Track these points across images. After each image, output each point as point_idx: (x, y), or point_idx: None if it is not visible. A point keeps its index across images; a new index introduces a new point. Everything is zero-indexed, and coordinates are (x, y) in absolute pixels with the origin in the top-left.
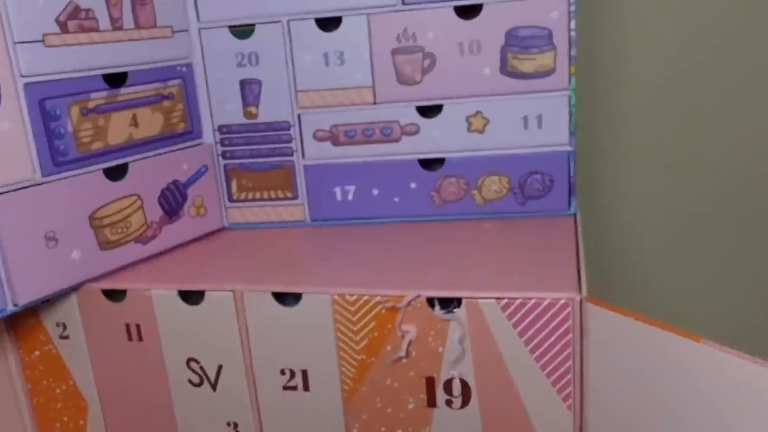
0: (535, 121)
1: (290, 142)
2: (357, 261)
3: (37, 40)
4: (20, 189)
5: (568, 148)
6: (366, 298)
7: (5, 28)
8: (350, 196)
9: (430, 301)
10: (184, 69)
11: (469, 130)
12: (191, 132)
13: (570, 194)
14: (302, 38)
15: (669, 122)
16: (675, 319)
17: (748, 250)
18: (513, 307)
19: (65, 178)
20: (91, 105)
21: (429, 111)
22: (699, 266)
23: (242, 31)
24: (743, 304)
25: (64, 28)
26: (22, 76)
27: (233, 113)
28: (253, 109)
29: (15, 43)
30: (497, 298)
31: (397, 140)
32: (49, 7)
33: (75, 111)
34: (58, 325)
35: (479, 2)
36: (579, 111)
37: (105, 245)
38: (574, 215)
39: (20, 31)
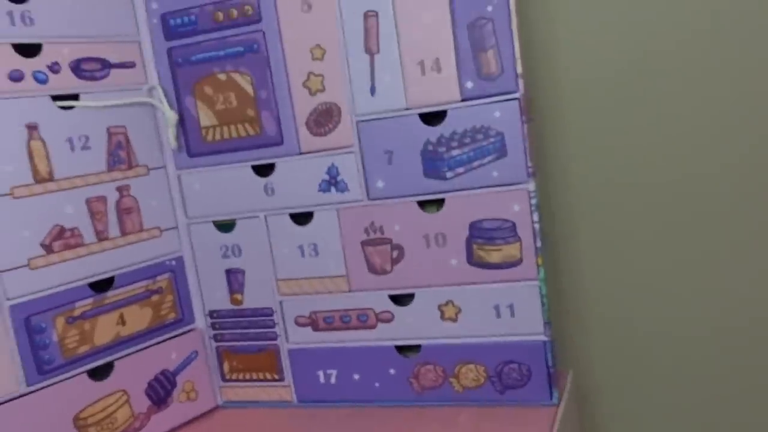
0: (507, 311)
1: (274, 327)
2: None
3: (22, 266)
4: (3, 403)
5: (543, 338)
6: None
7: None
8: (333, 380)
9: None
10: (173, 263)
11: (442, 318)
12: (182, 320)
13: (550, 384)
14: (279, 231)
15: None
16: None
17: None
18: None
19: (50, 385)
20: (76, 313)
21: (402, 299)
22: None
23: (225, 225)
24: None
25: (49, 249)
26: (8, 299)
27: (221, 300)
28: (239, 296)
29: (1, 271)
30: None
31: (373, 327)
32: (33, 234)
33: (60, 321)
34: None
35: (441, 197)
36: None
37: None
38: (556, 405)
39: (6, 260)
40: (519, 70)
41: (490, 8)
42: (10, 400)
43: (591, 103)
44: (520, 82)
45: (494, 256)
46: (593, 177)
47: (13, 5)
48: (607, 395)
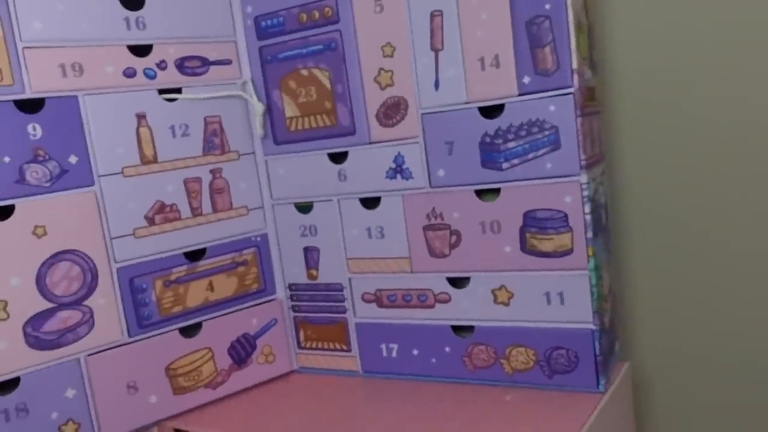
0: (557, 298)
1: (343, 301)
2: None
3: (128, 234)
4: (109, 349)
5: (592, 327)
6: None
7: (104, 227)
8: (394, 354)
9: None
10: (258, 239)
11: (495, 302)
12: (264, 290)
13: (597, 372)
14: (349, 214)
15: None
16: None
17: None
18: None
19: (148, 338)
20: (172, 278)
21: (458, 282)
22: None
23: (304, 207)
24: None
25: (151, 222)
26: (116, 262)
27: (299, 274)
28: (314, 272)
29: (111, 238)
30: None
31: (431, 306)
32: (139, 208)
33: (159, 284)
34: None
35: (497, 186)
36: None
37: (178, 391)
38: (603, 393)
39: (116, 229)
40: (574, 65)
41: (548, 6)
42: (115, 347)
43: (656, 94)
44: (575, 77)
45: (546, 245)
46: (655, 169)
47: (129, 12)
48: (665, 390)
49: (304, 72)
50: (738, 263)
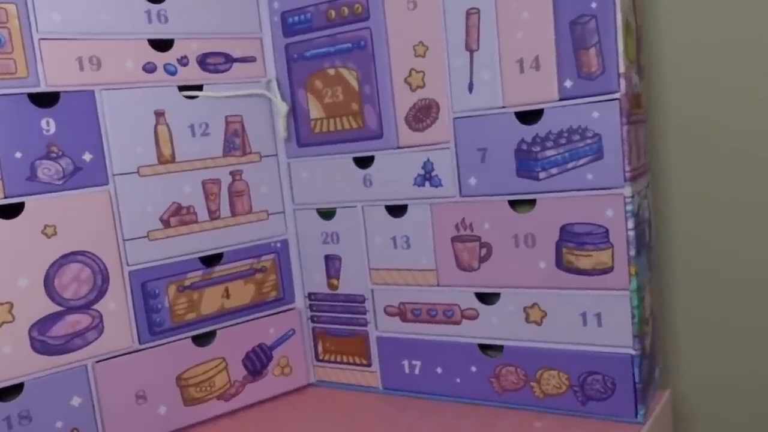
0: (594, 319)
1: (365, 313)
2: None
3: (142, 237)
4: (118, 356)
5: (632, 352)
6: None
7: (117, 228)
8: (417, 371)
9: None
10: (278, 245)
11: (527, 320)
12: (282, 299)
13: (636, 400)
14: (374, 222)
15: None
16: None
17: None
18: None
19: (159, 345)
20: (187, 283)
21: (488, 297)
22: None
23: (327, 213)
24: None
25: (166, 224)
26: (128, 265)
27: (319, 283)
28: (335, 281)
29: (124, 240)
30: None
31: (458, 323)
32: (154, 209)
33: (172, 289)
34: None
35: (533, 197)
36: None
37: (189, 402)
38: (641, 424)
39: (129, 231)
40: (621, 69)
41: (594, 5)
42: (125, 354)
43: (707, 102)
44: (622, 81)
45: (584, 262)
46: (703, 184)
47: (150, 5)
48: (708, 421)
49: (331, 71)
50: None
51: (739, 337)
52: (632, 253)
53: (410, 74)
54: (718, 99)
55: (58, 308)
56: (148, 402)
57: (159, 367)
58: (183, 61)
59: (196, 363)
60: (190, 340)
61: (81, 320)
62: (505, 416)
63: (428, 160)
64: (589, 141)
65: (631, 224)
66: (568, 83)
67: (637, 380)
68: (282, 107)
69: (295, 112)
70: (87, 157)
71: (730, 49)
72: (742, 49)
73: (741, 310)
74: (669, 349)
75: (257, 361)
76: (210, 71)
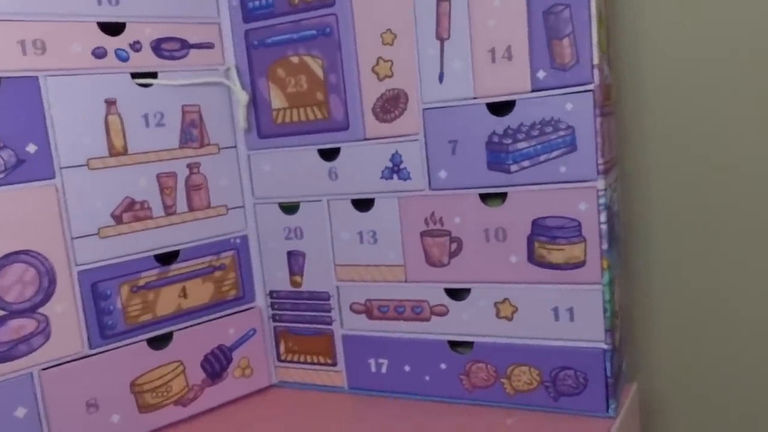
0: (566, 314)
1: (330, 311)
2: None
3: (92, 234)
4: (67, 362)
5: (604, 346)
6: None
7: (65, 225)
8: (384, 369)
9: None
10: (238, 241)
11: (497, 316)
12: (242, 297)
13: (608, 395)
14: (340, 216)
15: None
16: None
17: None
18: None
19: (111, 350)
20: (141, 283)
21: (458, 293)
22: None
23: (290, 207)
24: None
25: (118, 220)
26: (77, 264)
27: (281, 280)
28: (298, 278)
29: (73, 238)
30: None
31: (427, 319)
32: (105, 205)
33: (125, 290)
34: None
35: (504, 190)
36: None
37: (145, 408)
38: (613, 418)
39: (78, 228)
40: (595, 60)
41: None
42: (74, 360)
43: (677, 96)
44: (596, 72)
45: (556, 256)
46: (673, 176)
47: None
48: (675, 412)
49: (295, 59)
50: (756, 279)
51: (704, 329)
52: (605, 246)
53: (378, 63)
54: (689, 92)
55: (1, 312)
56: (100, 410)
57: (111, 372)
58: (136, 46)
59: (151, 367)
60: (145, 343)
61: (26, 325)
62: (475, 414)
63: (396, 152)
64: (562, 133)
65: (603, 218)
66: (541, 74)
67: (608, 374)
68: (242, 96)
69: (256, 102)
70: (31, 148)
71: (699, 41)
72: (711, 41)
73: (705, 301)
74: (634, 342)
75: (216, 364)
76: (165, 58)
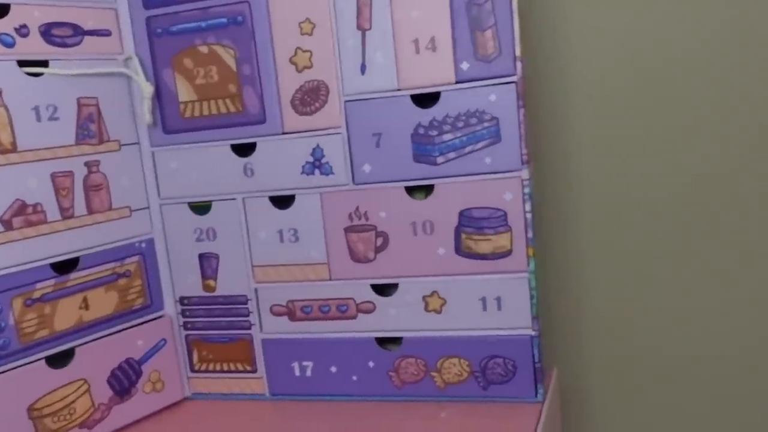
0: (494, 303)
1: (248, 315)
2: None
3: None
4: None
5: (531, 333)
6: None
7: None
8: (309, 372)
9: None
10: (143, 245)
11: (426, 309)
12: (150, 306)
13: (536, 380)
14: (257, 215)
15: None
16: None
17: None
18: None
19: (4, 372)
20: (36, 295)
21: (385, 289)
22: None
23: (200, 207)
24: None
25: (8, 225)
26: None
27: (193, 286)
28: (212, 282)
29: None
30: None
31: (353, 317)
32: None
33: (18, 303)
34: None
35: (431, 183)
36: None
37: None
38: (541, 402)
39: None
40: (518, 52)
41: None
42: None
43: (594, 91)
44: (518, 64)
45: (483, 247)
46: (590, 168)
47: None
48: (593, 394)
49: (203, 49)
50: (677, 267)
51: (619, 312)
52: (530, 235)
53: (296, 53)
54: (609, 86)
55: None
56: None
57: (6, 397)
58: (22, 31)
59: (51, 388)
60: (43, 362)
61: None
62: (408, 410)
63: (318, 146)
64: (486, 124)
65: (528, 207)
66: (464, 65)
67: (536, 360)
68: (146, 88)
69: (160, 95)
70: None
71: (615, 36)
72: (628, 36)
73: (620, 286)
74: (553, 328)
75: (125, 379)
76: (56, 44)
